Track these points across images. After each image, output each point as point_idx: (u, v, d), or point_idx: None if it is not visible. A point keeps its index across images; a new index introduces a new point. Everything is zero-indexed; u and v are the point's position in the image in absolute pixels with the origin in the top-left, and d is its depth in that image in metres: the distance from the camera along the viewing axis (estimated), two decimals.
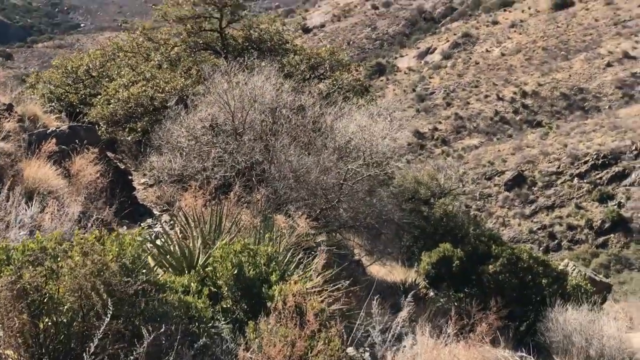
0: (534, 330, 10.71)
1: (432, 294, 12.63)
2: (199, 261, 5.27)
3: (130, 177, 11.36)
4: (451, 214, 15.55)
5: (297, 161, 10.62)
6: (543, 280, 11.81)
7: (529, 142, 69.61)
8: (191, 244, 5.60)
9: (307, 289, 4.34)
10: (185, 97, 12.03)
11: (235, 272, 4.50)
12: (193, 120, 10.78)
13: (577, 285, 12.48)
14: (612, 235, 54.21)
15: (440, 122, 79.49)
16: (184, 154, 10.64)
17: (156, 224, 9.68)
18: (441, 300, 11.99)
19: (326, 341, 3.79)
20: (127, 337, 3.57)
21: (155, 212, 10.71)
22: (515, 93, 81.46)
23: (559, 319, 10.18)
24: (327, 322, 3.97)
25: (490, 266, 11.93)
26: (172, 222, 8.87)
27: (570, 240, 55.34)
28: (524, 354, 7.84)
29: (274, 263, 4.85)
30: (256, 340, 3.86)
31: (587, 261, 45.95)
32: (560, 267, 14.46)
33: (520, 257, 12.11)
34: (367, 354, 6.50)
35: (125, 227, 8.65)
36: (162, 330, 3.55)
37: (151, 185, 11.62)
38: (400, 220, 12.27)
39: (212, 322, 4.29)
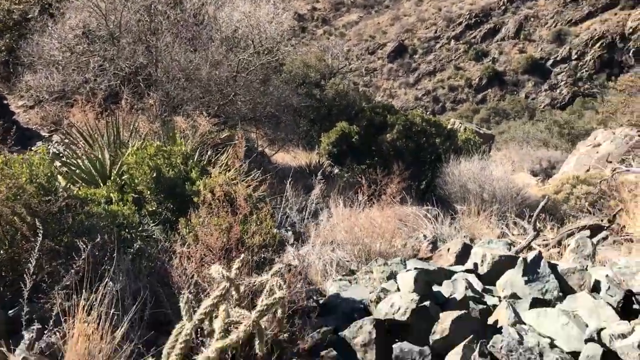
0: (433, 186, 11.61)
1: (337, 170, 13.18)
2: (113, 171, 5.16)
3: (5, 102, 10.49)
4: (342, 92, 15.86)
5: (184, 59, 10.23)
6: (436, 140, 12.63)
7: (405, 11, 70.71)
8: (100, 155, 5.42)
9: (230, 178, 4.44)
10: (48, 5, 10.94)
11: (154, 175, 4.49)
12: (63, 30, 9.93)
13: (466, 139, 13.46)
14: (489, 90, 58.06)
15: (318, 1, 78.18)
16: (61, 68, 9.91)
17: (48, 145, 9.17)
18: (346, 174, 12.58)
19: (258, 222, 3.97)
20: (62, 253, 3.55)
21: (43, 133, 10.10)
22: None
23: (455, 172, 11.11)
24: (257, 205, 4.14)
25: (388, 135, 12.54)
26: (66, 140, 8.44)
27: (453, 101, 58.71)
28: (429, 207, 8.56)
29: (191, 161, 4.85)
30: (190, 234, 3.96)
31: (470, 118, 49.26)
32: (449, 127, 15.48)
33: (414, 122, 12.79)
34: (289, 233, 6.87)
35: (15, 154, 8.13)
36: (97, 241, 3.55)
37: (32, 107, 10.82)
38: (299, 104, 12.38)
39: (141, 226, 4.33)
